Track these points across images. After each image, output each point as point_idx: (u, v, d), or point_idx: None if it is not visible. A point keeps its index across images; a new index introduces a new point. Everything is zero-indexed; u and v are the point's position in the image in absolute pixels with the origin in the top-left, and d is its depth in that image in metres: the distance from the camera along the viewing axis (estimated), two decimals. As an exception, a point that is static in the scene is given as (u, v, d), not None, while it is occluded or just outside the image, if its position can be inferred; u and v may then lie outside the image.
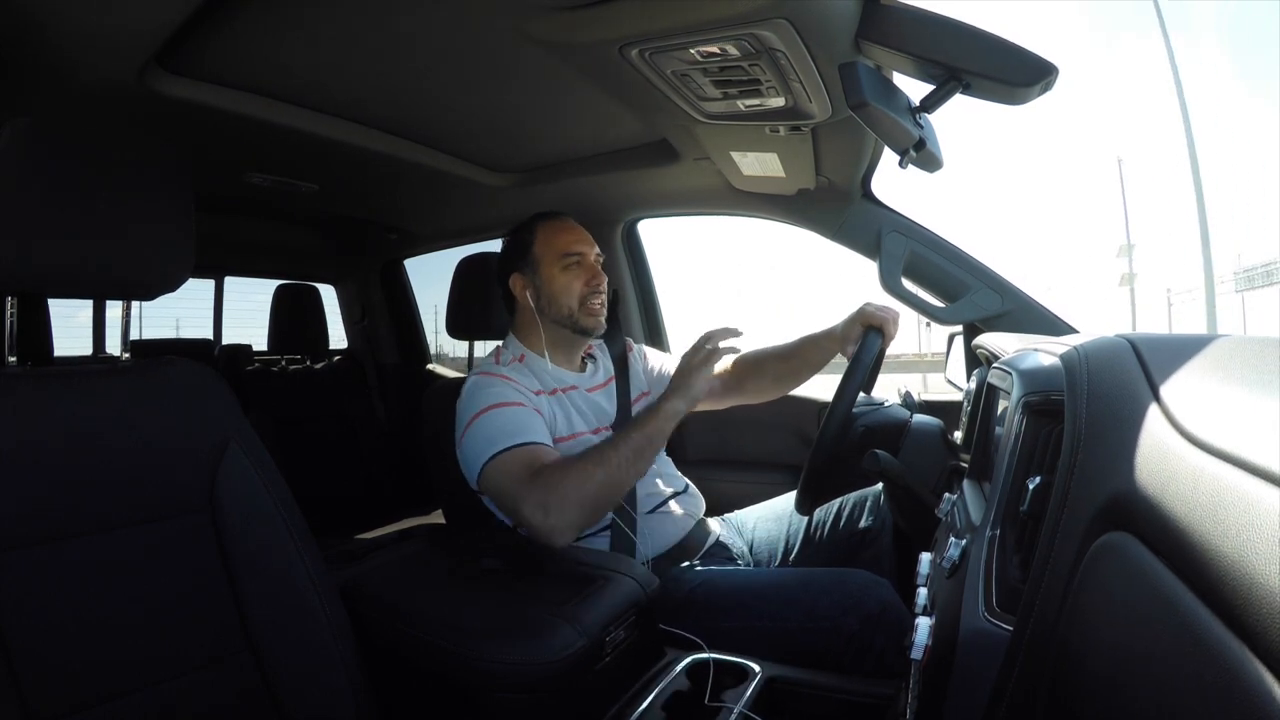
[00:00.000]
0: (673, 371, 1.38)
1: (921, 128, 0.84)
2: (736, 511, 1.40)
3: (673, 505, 1.22)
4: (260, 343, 2.30)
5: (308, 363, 2.31)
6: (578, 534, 1.00)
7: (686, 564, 1.16)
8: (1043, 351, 0.67)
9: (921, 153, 0.87)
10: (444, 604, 0.85)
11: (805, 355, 1.28)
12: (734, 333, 1.10)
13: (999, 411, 0.77)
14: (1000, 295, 1.30)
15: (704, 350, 1.08)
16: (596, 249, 1.23)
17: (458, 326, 1.43)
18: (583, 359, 1.29)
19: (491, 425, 1.03)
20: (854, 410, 1.05)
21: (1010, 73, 0.74)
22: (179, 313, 2.92)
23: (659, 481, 1.25)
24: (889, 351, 1.12)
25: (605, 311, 1.22)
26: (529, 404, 1.08)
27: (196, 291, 2.60)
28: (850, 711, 0.88)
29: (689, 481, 1.31)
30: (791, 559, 1.26)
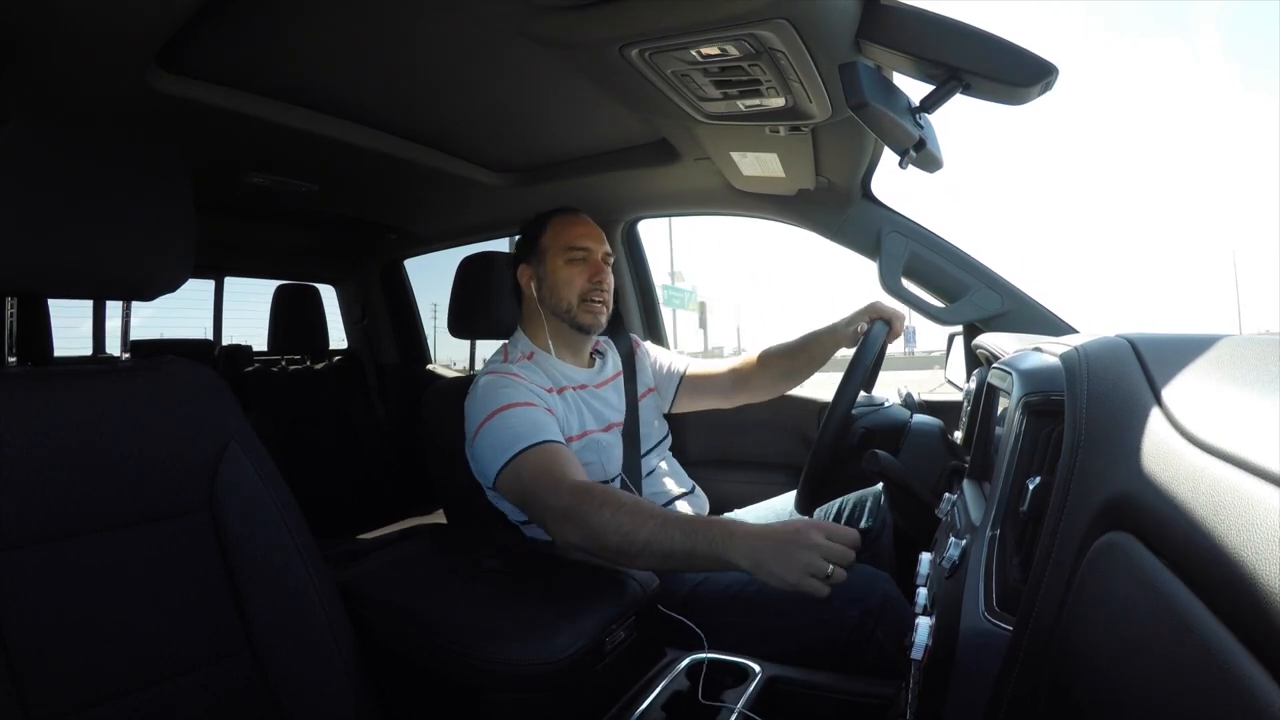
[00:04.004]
0: (682, 370, 1.39)
1: (921, 128, 0.84)
2: (737, 511, 1.40)
3: (680, 506, 1.22)
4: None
5: (308, 363, 2.31)
6: (582, 555, 0.93)
7: None
8: (1043, 351, 0.67)
9: (921, 153, 0.87)
10: (444, 604, 0.85)
11: (811, 350, 1.28)
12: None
13: (999, 411, 0.77)
14: (1000, 295, 1.30)
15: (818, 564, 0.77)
16: (606, 248, 1.22)
17: (460, 325, 1.43)
18: (591, 355, 1.29)
19: (507, 426, 1.02)
20: (854, 411, 1.05)
21: (1010, 73, 0.74)
22: (165, 323, 2.90)
23: (668, 481, 1.25)
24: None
25: (607, 311, 1.20)
26: (541, 403, 1.07)
27: (183, 298, 2.58)
28: (850, 711, 0.88)
29: (695, 483, 1.31)
30: None
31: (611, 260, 1.23)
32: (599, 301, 1.18)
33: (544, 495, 0.93)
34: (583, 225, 1.22)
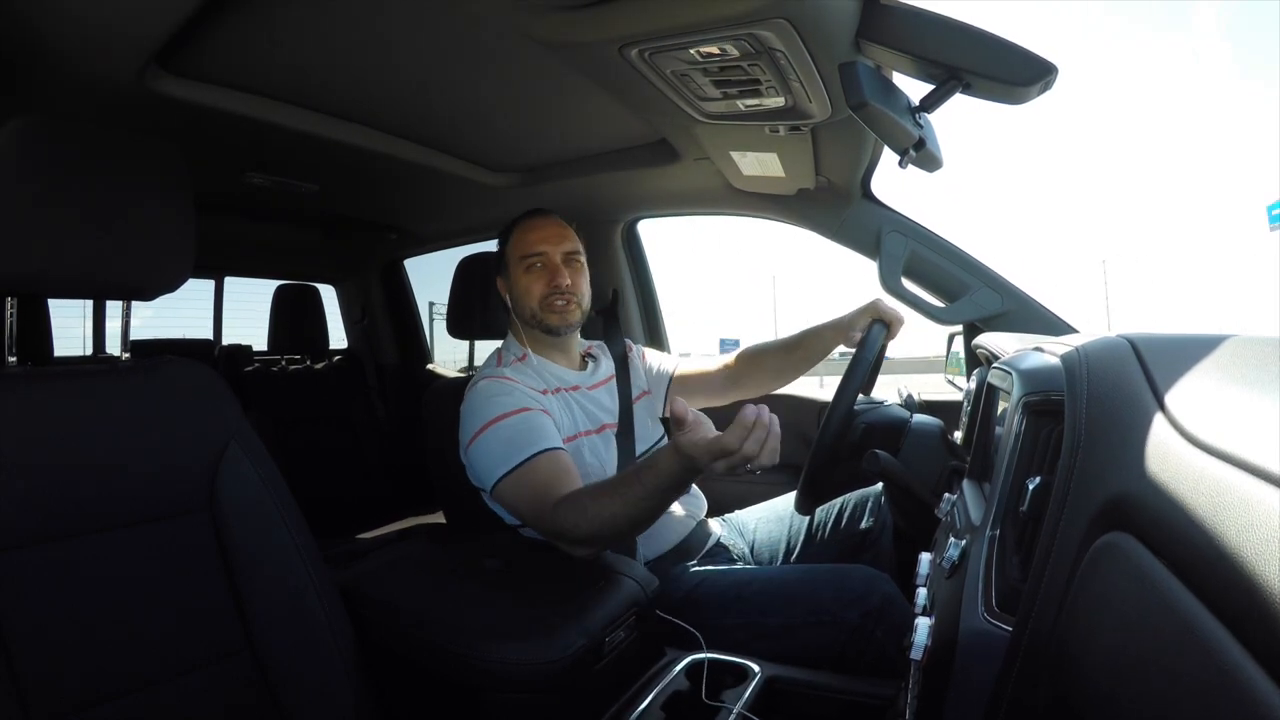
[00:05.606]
0: (672, 370, 1.39)
1: (921, 127, 0.84)
2: (737, 512, 1.40)
3: (674, 506, 1.22)
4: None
5: (308, 363, 2.31)
6: (599, 551, 0.98)
7: (686, 564, 1.16)
8: (1043, 351, 0.67)
9: (921, 153, 0.87)
10: (444, 604, 0.85)
11: (808, 346, 1.27)
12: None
13: (999, 411, 0.77)
14: (1000, 295, 1.30)
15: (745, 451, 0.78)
16: (567, 247, 1.18)
17: (458, 326, 1.43)
18: (583, 358, 1.29)
19: (503, 436, 1.02)
20: (854, 410, 1.05)
21: (1010, 72, 0.74)
22: (165, 323, 2.90)
23: None
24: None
25: (575, 308, 1.18)
26: (536, 405, 1.07)
27: (183, 298, 2.58)
28: (850, 711, 0.88)
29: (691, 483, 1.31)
30: (793, 559, 1.26)
31: (578, 258, 1.19)
32: (560, 303, 1.16)
33: (534, 522, 0.99)
34: (538, 230, 1.18)
